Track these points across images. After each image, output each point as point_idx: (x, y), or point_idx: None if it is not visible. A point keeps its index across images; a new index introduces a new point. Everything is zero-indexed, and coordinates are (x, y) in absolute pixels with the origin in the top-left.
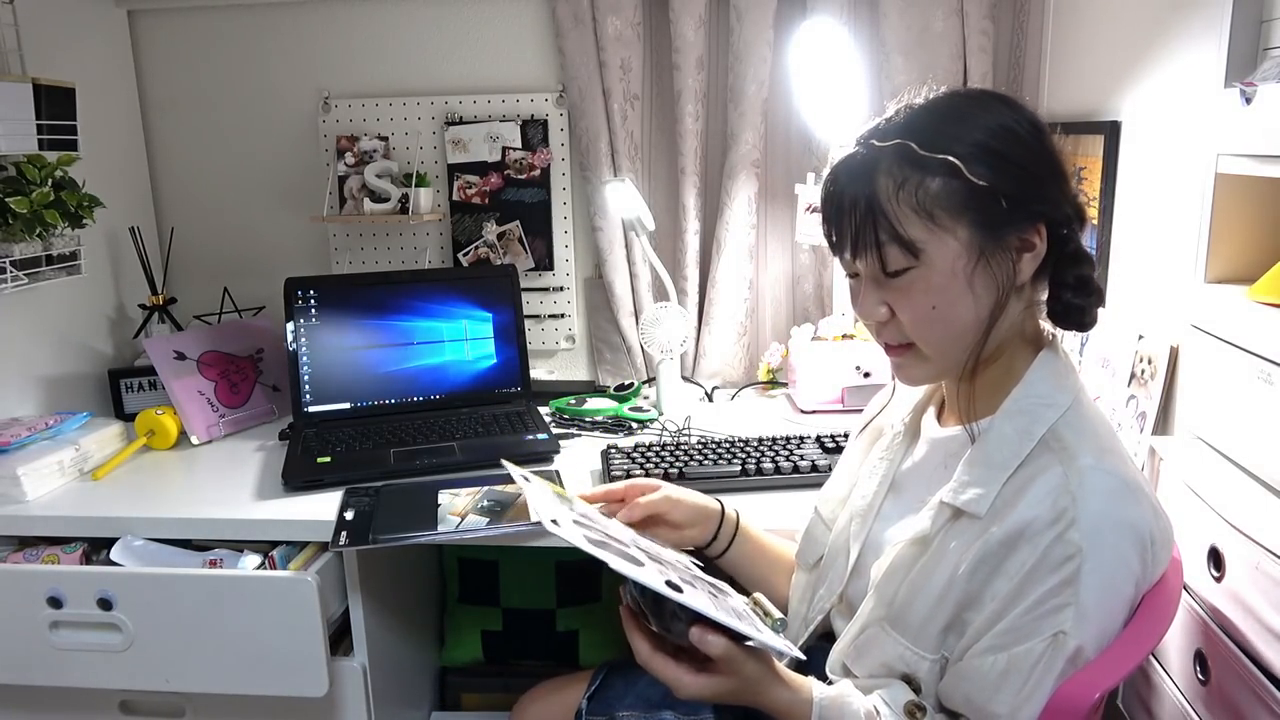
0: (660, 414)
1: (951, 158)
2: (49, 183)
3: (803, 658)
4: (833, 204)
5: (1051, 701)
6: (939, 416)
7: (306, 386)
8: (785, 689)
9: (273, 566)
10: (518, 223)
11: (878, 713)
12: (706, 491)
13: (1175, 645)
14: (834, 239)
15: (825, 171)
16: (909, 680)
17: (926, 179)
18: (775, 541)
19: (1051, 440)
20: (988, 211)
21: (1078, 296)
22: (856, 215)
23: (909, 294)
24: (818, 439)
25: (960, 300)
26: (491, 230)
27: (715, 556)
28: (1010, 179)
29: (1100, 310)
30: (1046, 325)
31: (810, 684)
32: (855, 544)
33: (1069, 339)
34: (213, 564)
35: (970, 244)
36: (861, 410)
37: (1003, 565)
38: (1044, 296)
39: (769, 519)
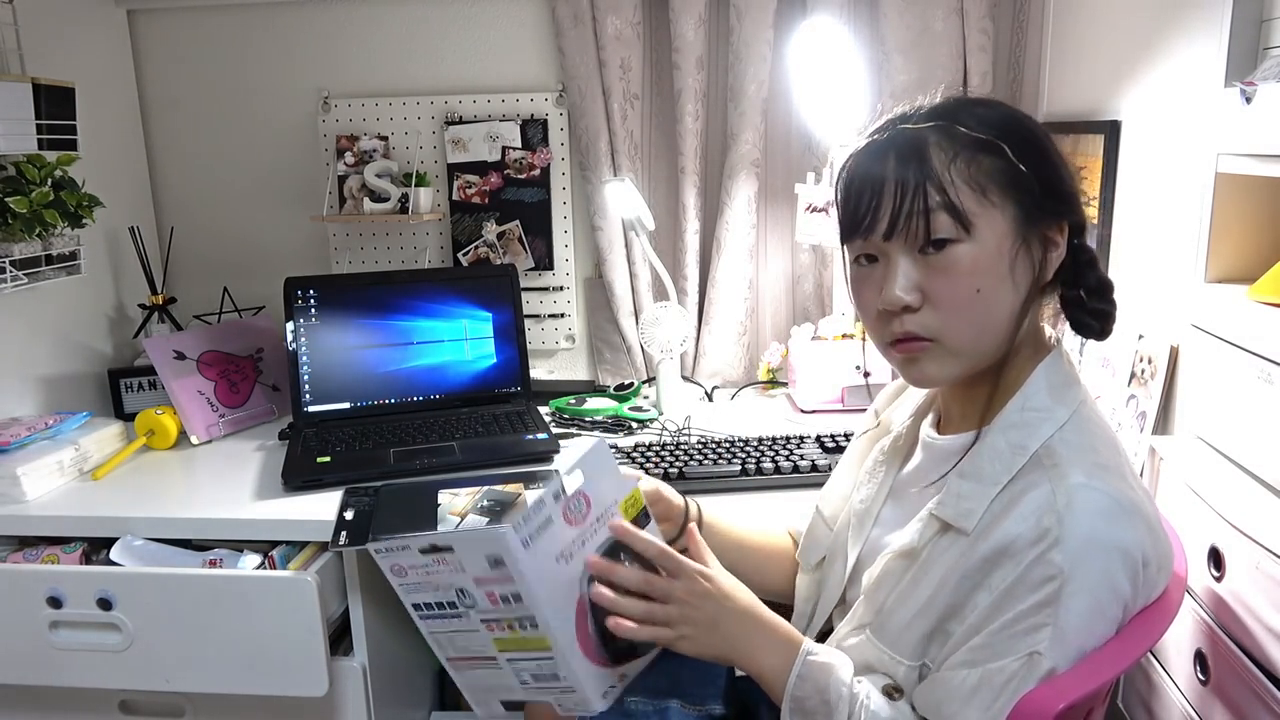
0: (660, 414)
1: (998, 140)
2: (48, 182)
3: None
4: (869, 179)
5: (1014, 710)
6: (937, 424)
7: (306, 386)
8: (775, 624)
9: (272, 566)
10: (517, 222)
11: (860, 682)
12: (706, 491)
13: (1175, 645)
14: (865, 218)
15: (847, 156)
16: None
17: (978, 154)
18: (753, 532)
19: (1044, 455)
20: (1029, 197)
21: (1101, 301)
22: (903, 185)
23: (950, 273)
24: (818, 439)
25: (1002, 285)
26: (491, 230)
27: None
28: (1045, 171)
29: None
30: (1050, 332)
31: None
32: (853, 549)
33: (1068, 339)
34: (212, 564)
35: (1015, 226)
36: (861, 410)
37: (985, 580)
38: (1048, 303)
39: (769, 519)
